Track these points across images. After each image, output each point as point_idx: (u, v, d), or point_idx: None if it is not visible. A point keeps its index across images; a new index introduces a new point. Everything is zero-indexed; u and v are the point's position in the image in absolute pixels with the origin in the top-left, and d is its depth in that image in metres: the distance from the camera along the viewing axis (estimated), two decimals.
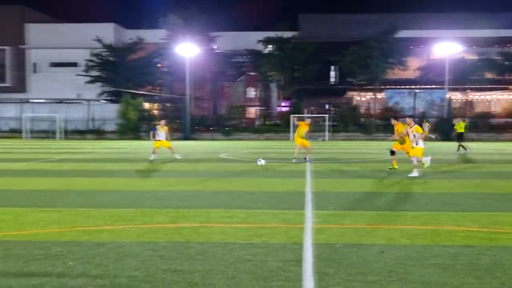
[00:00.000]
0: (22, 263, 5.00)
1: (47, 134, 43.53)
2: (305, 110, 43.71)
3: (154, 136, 18.31)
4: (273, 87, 54.21)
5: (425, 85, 48.61)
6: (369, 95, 50.73)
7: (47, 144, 33.52)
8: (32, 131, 43.37)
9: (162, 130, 18.28)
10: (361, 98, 52.16)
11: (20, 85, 52.51)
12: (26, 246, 5.65)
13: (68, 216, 7.42)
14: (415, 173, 12.82)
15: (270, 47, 49.33)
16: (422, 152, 13.47)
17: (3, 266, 4.87)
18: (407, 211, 7.84)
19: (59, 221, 7.07)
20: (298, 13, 53.63)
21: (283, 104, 53.88)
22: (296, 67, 47.65)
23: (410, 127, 13.49)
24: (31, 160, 18.66)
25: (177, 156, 18.28)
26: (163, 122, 19.03)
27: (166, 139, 18.39)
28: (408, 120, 13.91)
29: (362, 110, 49.20)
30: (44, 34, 51.48)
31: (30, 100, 47.54)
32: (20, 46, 52.17)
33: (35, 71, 52.40)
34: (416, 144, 13.23)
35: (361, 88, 50.11)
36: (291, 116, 38.01)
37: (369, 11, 70.58)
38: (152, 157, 17.66)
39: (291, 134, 37.57)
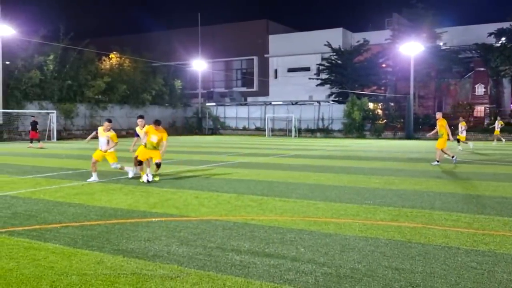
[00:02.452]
0: (264, 244, 5.53)
1: (284, 132, 47.38)
2: None
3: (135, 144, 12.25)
4: (506, 83, 47.42)
5: None
6: None
7: (284, 141, 36.42)
8: (272, 130, 47.82)
9: (104, 136, 11.42)
10: None
11: (264, 90, 58.21)
12: (266, 230, 6.25)
13: (300, 206, 7.93)
14: (130, 173, 11.66)
15: (503, 39, 43.29)
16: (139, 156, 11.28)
17: (250, 245, 5.48)
18: None
19: (292, 210, 7.62)
20: None
21: None
22: None
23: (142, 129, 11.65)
24: (272, 155, 20.53)
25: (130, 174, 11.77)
26: (106, 123, 11.49)
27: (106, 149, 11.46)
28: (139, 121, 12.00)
29: None
30: (283, 43, 55.92)
31: (272, 103, 52.24)
32: (265, 55, 57.77)
33: (276, 77, 57.39)
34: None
35: None
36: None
37: None
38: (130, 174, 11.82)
39: None
